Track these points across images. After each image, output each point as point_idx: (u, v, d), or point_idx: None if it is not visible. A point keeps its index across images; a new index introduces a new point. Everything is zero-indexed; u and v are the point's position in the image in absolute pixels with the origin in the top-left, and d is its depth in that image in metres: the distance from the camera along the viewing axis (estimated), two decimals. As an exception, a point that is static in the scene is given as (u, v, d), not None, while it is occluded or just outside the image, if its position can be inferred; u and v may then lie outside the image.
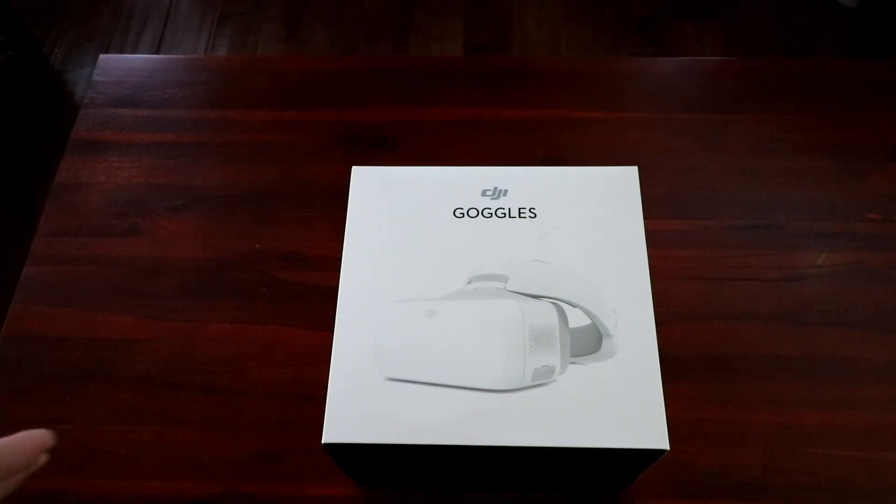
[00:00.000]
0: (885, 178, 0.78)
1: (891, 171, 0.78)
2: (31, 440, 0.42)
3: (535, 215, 0.57)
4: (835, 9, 1.78)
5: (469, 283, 0.54)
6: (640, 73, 0.88)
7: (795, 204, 0.76)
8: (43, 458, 0.43)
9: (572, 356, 0.51)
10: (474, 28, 1.83)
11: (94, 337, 0.70)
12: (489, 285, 0.54)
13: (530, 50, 1.80)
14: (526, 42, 1.81)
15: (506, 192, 0.58)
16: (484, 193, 0.58)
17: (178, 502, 0.63)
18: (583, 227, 0.57)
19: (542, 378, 0.50)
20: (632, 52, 1.79)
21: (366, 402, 0.50)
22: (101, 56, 0.90)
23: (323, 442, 0.48)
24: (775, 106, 0.83)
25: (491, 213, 0.57)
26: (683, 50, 1.77)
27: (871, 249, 0.73)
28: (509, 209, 0.58)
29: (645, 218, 0.58)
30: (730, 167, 0.79)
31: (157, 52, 1.82)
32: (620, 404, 0.49)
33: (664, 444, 0.48)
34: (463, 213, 0.57)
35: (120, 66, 0.90)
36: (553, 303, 0.52)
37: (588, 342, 0.51)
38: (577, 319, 0.52)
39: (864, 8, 1.74)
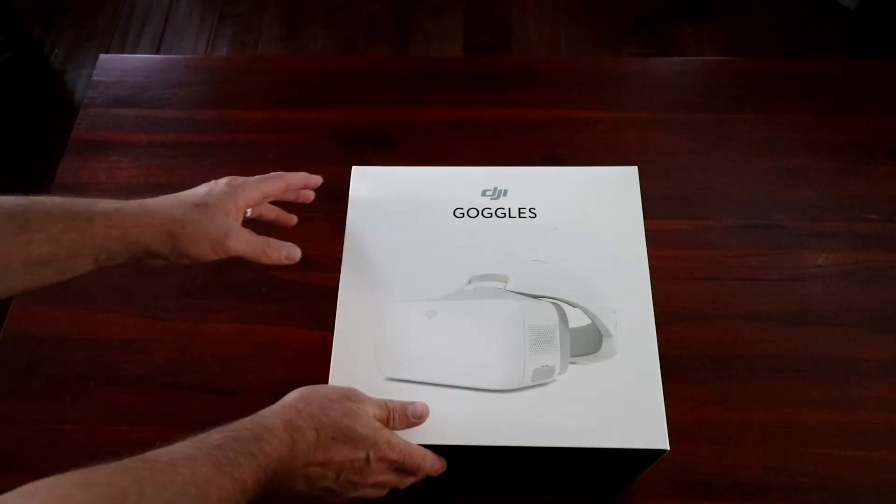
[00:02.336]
0: (885, 178, 0.78)
1: (891, 171, 0.78)
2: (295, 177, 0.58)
3: (535, 215, 0.57)
4: (834, 9, 1.77)
5: (469, 282, 0.54)
6: (640, 73, 0.88)
7: (795, 204, 0.76)
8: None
9: (572, 356, 0.51)
10: (474, 28, 1.83)
11: (94, 337, 0.70)
12: (489, 285, 0.54)
13: (530, 50, 1.79)
14: (526, 42, 1.81)
15: (506, 192, 0.58)
16: (484, 193, 0.58)
17: (178, 502, 0.63)
18: (583, 227, 0.57)
19: (542, 378, 0.50)
20: (632, 52, 1.79)
21: (366, 403, 0.50)
22: (101, 56, 0.90)
23: (323, 442, 0.48)
24: (775, 106, 0.83)
25: (491, 213, 0.57)
26: (683, 50, 1.76)
27: (871, 249, 0.73)
28: (509, 209, 0.58)
29: (645, 218, 0.58)
30: (730, 167, 0.79)
31: (157, 52, 1.82)
32: (620, 404, 0.49)
33: (664, 445, 0.48)
34: (463, 213, 0.57)
35: (120, 66, 0.90)
36: (553, 303, 0.52)
37: (588, 342, 0.51)
38: (577, 319, 0.52)
39: (863, 8, 1.74)
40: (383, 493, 0.51)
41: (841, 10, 1.80)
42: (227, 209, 0.52)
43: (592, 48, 1.80)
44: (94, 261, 0.48)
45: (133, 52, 1.83)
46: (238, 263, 0.74)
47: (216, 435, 0.43)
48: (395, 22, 1.87)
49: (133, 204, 0.50)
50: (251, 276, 0.73)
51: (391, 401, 0.49)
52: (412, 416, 0.48)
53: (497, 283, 0.54)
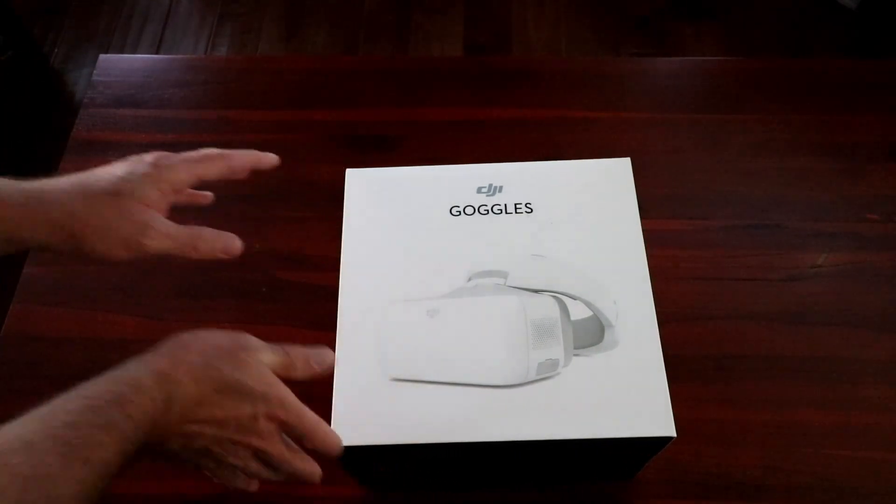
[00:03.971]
0: (885, 178, 0.78)
1: (891, 171, 0.78)
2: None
3: (532, 210, 0.57)
4: (835, 9, 1.77)
5: (469, 280, 0.54)
6: (640, 73, 0.88)
7: (795, 204, 0.76)
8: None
9: (576, 348, 0.51)
10: (474, 28, 1.83)
11: (94, 337, 0.70)
12: (489, 282, 0.54)
13: (530, 50, 1.80)
14: (526, 42, 1.81)
15: (501, 188, 0.59)
16: (479, 191, 0.58)
17: (178, 502, 0.63)
18: (579, 219, 0.57)
19: (546, 371, 0.50)
20: (632, 52, 1.79)
21: (372, 404, 0.49)
22: (101, 56, 0.90)
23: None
24: (775, 106, 0.83)
25: (487, 210, 0.57)
26: (683, 50, 1.77)
27: (871, 249, 0.73)
28: (505, 205, 0.58)
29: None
30: (730, 167, 0.79)
31: (157, 52, 1.82)
32: (625, 394, 0.49)
33: (670, 432, 0.48)
34: (459, 212, 0.57)
35: (120, 66, 0.90)
36: (554, 296, 0.52)
37: (590, 334, 0.51)
38: (578, 312, 0.52)
39: (864, 8, 1.74)
40: (242, 472, 0.44)
41: (841, 10, 1.80)
42: (148, 197, 0.44)
43: (592, 48, 1.80)
44: None
45: (133, 52, 1.83)
46: (238, 263, 0.74)
47: (70, 405, 0.37)
48: (394, 22, 1.87)
49: (27, 188, 0.42)
50: (251, 276, 0.73)
51: (292, 346, 0.43)
52: (315, 363, 0.43)
53: (497, 279, 0.54)
